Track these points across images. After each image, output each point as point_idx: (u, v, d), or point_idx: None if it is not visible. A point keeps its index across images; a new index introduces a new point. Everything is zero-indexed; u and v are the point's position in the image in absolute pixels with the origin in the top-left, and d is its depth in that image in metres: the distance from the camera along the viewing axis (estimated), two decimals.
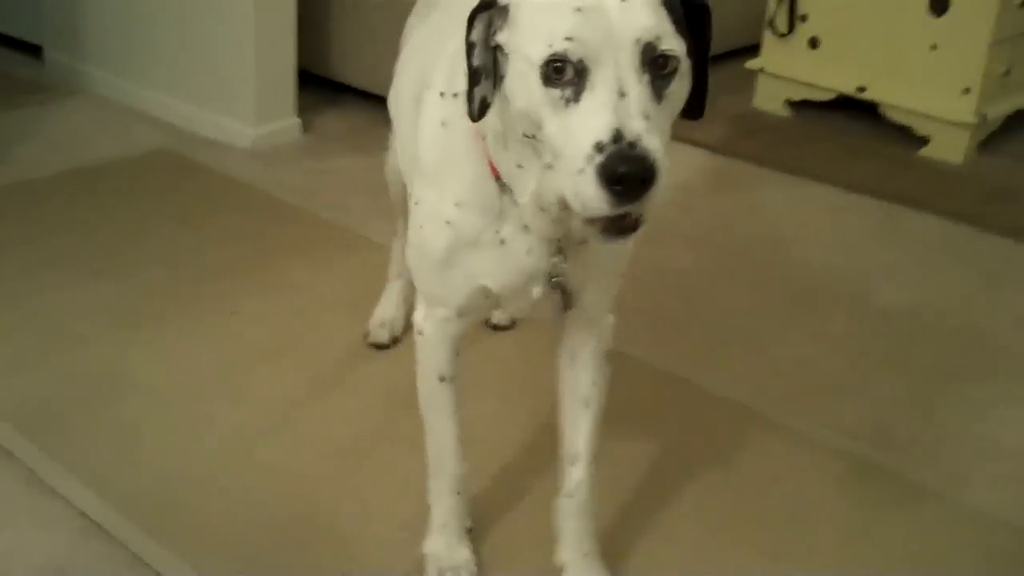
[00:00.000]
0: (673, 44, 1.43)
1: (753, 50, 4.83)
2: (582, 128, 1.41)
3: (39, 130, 4.27)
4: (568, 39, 1.40)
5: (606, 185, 1.39)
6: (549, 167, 1.50)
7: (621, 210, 1.42)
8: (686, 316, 3.17)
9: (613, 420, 2.61)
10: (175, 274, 3.27)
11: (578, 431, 1.99)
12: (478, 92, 1.53)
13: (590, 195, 1.40)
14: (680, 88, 1.48)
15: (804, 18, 4.55)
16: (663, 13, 1.43)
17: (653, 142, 1.39)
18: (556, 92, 1.43)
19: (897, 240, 3.76)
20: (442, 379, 1.95)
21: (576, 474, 2.00)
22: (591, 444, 2.00)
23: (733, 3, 4.96)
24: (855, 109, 4.60)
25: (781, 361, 2.97)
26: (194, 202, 3.78)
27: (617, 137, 1.38)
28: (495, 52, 1.53)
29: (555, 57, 1.41)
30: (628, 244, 1.78)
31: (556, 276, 1.76)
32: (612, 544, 2.20)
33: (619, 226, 1.48)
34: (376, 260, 2.71)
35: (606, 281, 1.90)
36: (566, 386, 2.00)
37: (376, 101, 4.60)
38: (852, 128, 4.61)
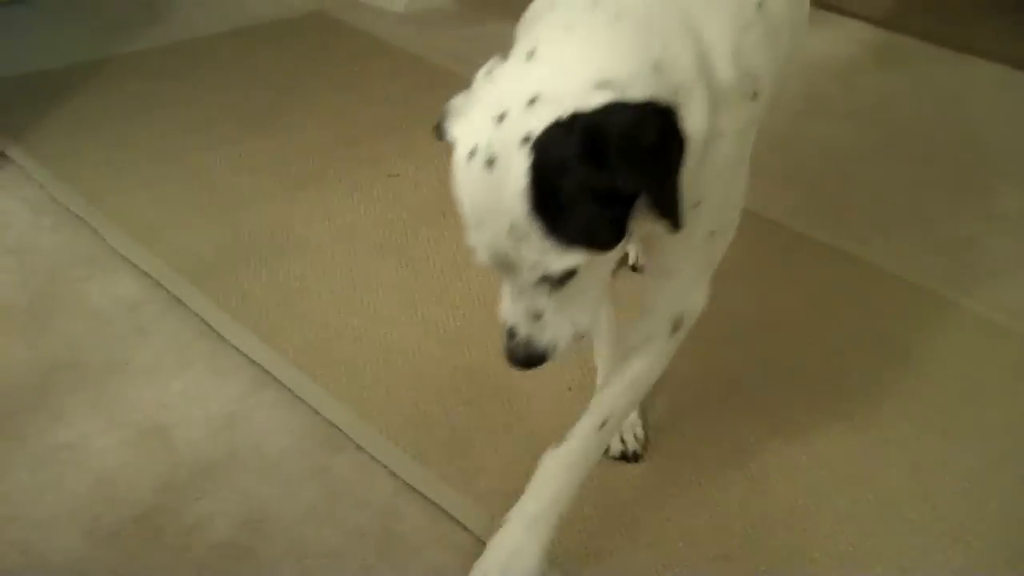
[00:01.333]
0: (562, 264, 1.46)
1: None
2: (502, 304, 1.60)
3: None
4: (472, 248, 1.51)
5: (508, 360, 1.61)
6: None
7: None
8: (849, 192, 3.08)
9: (773, 290, 2.59)
10: (331, 135, 3.29)
11: (608, 385, 1.85)
12: None
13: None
14: (590, 271, 1.51)
15: None
16: (549, 243, 1.44)
17: (540, 336, 1.57)
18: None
19: None
20: None
21: (577, 427, 1.82)
22: (610, 405, 1.83)
23: None
24: None
25: (949, 240, 2.88)
26: (347, 64, 3.78)
27: (512, 333, 1.58)
28: None
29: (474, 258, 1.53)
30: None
31: None
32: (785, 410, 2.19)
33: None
34: None
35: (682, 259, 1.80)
36: (625, 337, 1.87)
37: None
38: (1018, 6, 4.37)
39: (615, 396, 1.80)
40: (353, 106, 3.48)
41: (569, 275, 1.49)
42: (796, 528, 1.98)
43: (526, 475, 1.83)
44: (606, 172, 1.39)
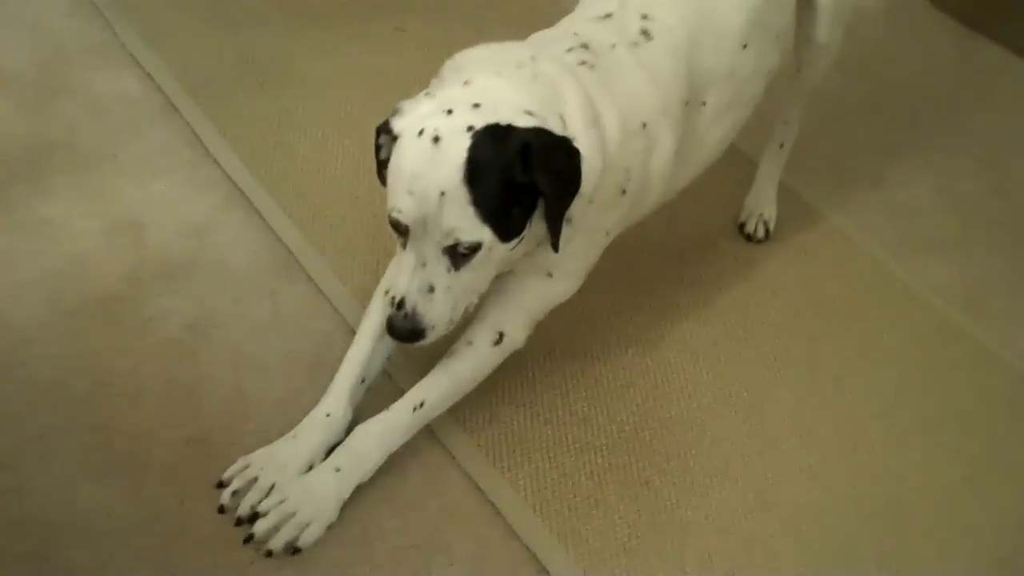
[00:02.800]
0: (471, 236, 1.77)
1: None
2: (396, 272, 1.86)
3: None
4: (399, 211, 1.78)
5: (387, 330, 1.85)
6: None
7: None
8: (821, 141, 3.22)
9: (729, 217, 2.77)
10: None
11: (431, 374, 2.04)
12: (384, 173, 1.87)
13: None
14: (483, 258, 1.82)
15: None
16: (470, 211, 1.75)
17: (428, 310, 1.82)
18: (395, 233, 1.84)
19: None
20: None
21: (395, 404, 1.99)
22: (427, 391, 2.01)
23: None
24: None
25: (899, 205, 3.05)
26: None
27: (400, 304, 1.81)
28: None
29: (393, 220, 1.81)
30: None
31: None
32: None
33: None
34: (545, 9, 2.77)
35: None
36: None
37: None
38: None
39: (434, 384, 2.01)
40: None
41: (471, 253, 1.79)
42: (679, 437, 2.20)
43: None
44: (527, 172, 1.75)
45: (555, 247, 1.87)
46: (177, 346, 2.12)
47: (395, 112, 1.86)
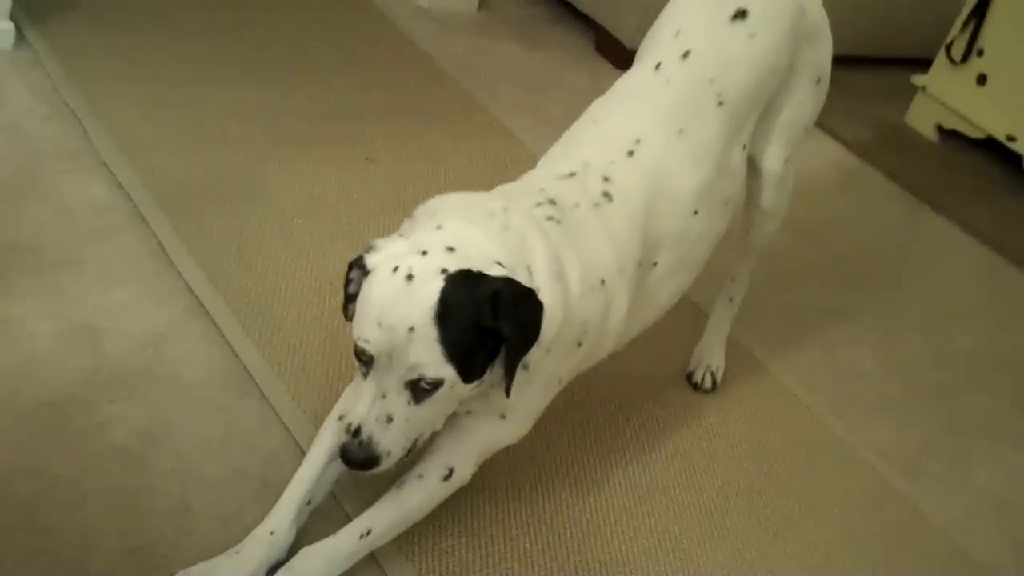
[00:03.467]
0: (436, 373, 1.82)
1: (923, 65, 4.86)
2: (354, 403, 1.89)
3: None
4: (367, 341, 1.83)
5: (340, 457, 1.88)
6: None
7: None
8: (771, 300, 3.32)
9: (674, 366, 2.82)
10: (326, 105, 3.50)
11: (380, 502, 2.05)
12: (351, 308, 1.93)
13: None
14: (444, 395, 1.86)
15: (980, 52, 4.58)
16: (437, 349, 1.81)
17: (384, 438, 1.85)
18: (358, 363, 1.88)
19: (994, 291, 3.86)
20: None
21: (342, 529, 2.01)
22: (375, 518, 2.02)
23: (920, 13, 5.01)
24: (1002, 154, 4.65)
25: (845, 367, 3.13)
26: (362, 43, 3.98)
27: (356, 431, 1.84)
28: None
29: (359, 349, 1.85)
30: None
31: None
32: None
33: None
34: (512, 154, 2.88)
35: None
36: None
37: None
38: (992, 172, 4.67)
39: (382, 514, 2.02)
40: (354, 84, 3.68)
41: (433, 389, 1.84)
42: None
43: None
44: (494, 319, 1.82)
45: (507, 392, 1.91)
46: (125, 454, 2.11)
47: (369, 248, 1.91)
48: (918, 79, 4.82)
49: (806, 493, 2.61)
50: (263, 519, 1.99)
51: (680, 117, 2.26)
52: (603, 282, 2.08)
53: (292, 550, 1.98)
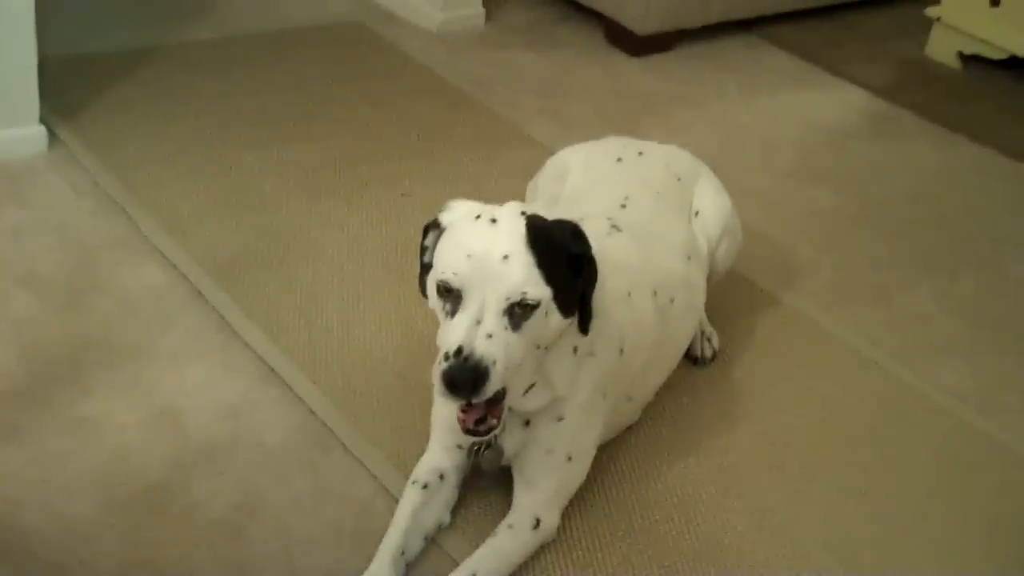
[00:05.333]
0: (535, 294, 1.92)
1: None
2: (445, 340, 1.93)
3: None
4: (455, 273, 1.92)
5: (443, 386, 1.90)
6: None
7: (459, 402, 1.95)
8: (819, 257, 3.35)
9: (738, 342, 2.86)
10: (355, 148, 3.56)
11: (480, 548, 2.13)
12: (427, 280, 2.06)
13: (436, 388, 1.92)
14: (539, 321, 1.96)
15: None
16: (534, 272, 1.92)
17: (489, 350, 1.88)
18: (441, 303, 1.97)
19: None
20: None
21: (457, 571, 2.07)
22: (476, 563, 2.08)
23: None
24: None
25: (904, 314, 3.15)
26: (378, 78, 4.04)
27: (458, 351, 1.88)
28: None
29: (443, 282, 1.94)
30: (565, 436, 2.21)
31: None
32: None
33: (472, 429, 2.02)
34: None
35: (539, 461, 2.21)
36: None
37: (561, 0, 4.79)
38: (1020, 91, 4.64)
39: (483, 557, 2.10)
40: (378, 122, 3.75)
41: (530, 312, 1.93)
42: (718, 566, 2.26)
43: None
44: (575, 242, 2.02)
45: (584, 328, 2.08)
46: (225, 527, 2.19)
47: (443, 208, 2.07)
48: (932, 11, 4.79)
49: (888, 448, 2.64)
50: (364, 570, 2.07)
51: (653, 184, 2.63)
52: (629, 295, 2.26)
53: None
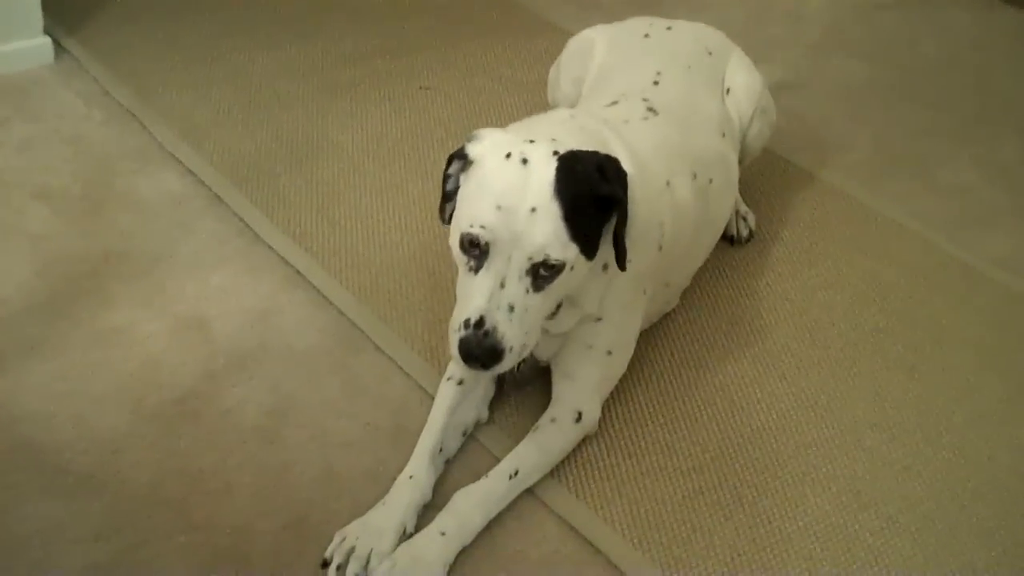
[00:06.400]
0: (561, 255, 1.85)
1: None
2: (467, 300, 1.87)
3: None
4: (483, 227, 1.83)
5: (459, 354, 1.86)
6: None
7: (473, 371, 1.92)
8: (856, 131, 3.24)
9: (775, 221, 2.78)
10: (369, 43, 3.46)
11: (523, 443, 2.07)
12: (448, 207, 1.98)
13: (452, 352, 1.89)
14: (564, 279, 1.89)
15: None
16: (561, 227, 1.84)
17: (508, 330, 1.84)
18: (465, 257, 1.88)
19: None
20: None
21: (492, 471, 2.01)
22: (521, 459, 2.03)
23: None
24: None
25: (945, 185, 3.05)
26: None
27: (479, 323, 1.83)
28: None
29: (470, 235, 1.85)
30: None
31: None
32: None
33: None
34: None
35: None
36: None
37: None
38: None
39: (526, 453, 2.05)
40: (391, 15, 3.64)
41: (554, 274, 1.86)
42: (765, 449, 2.20)
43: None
44: (606, 184, 1.90)
45: (621, 263, 1.97)
46: (260, 434, 2.15)
47: (471, 138, 1.95)
48: None
49: (934, 321, 2.56)
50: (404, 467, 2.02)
51: (684, 58, 2.53)
52: (668, 184, 2.17)
53: (436, 488, 2.02)
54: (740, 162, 2.61)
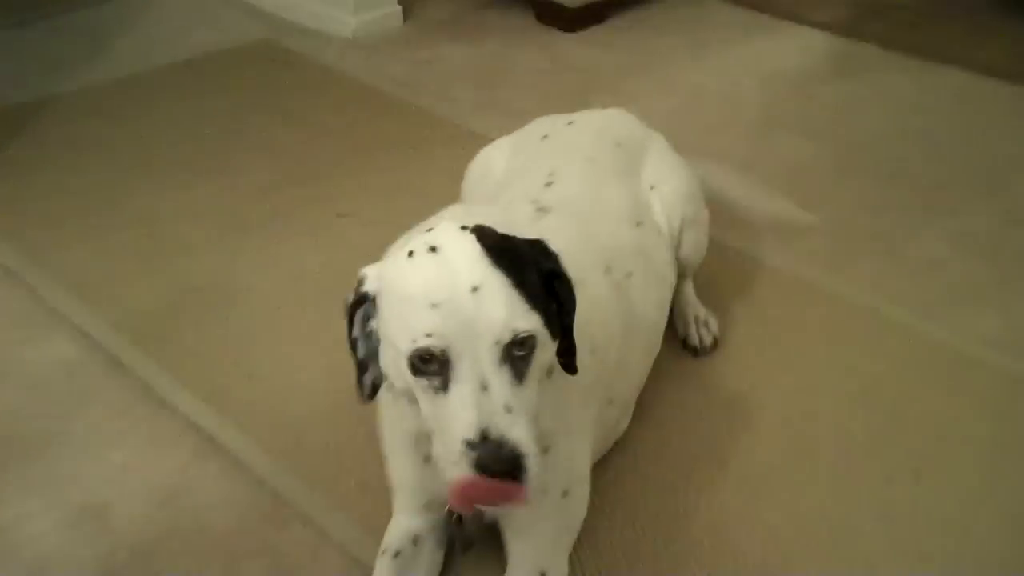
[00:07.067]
0: (528, 324, 1.50)
1: None
2: (453, 422, 1.49)
3: (137, 24, 4.20)
4: (428, 335, 1.48)
5: (475, 471, 1.47)
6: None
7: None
8: (820, 220, 3.00)
9: (739, 322, 2.52)
10: (280, 174, 3.20)
11: None
12: (367, 378, 1.67)
13: (451, 475, 1.50)
14: (541, 356, 1.55)
15: None
16: (514, 295, 1.50)
17: (519, 434, 1.48)
18: (425, 381, 1.52)
19: None
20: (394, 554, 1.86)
21: None
22: None
23: None
24: None
25: (916, 262, 2.80)
26: (295, 96, 3.69)
27: (485, 435, 1.46)
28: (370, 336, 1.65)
29: (419, 352, 1.49)
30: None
31: None
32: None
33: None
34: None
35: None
36: None
37: None
38: (981, 6, 4.32)
39: None
40: (302, 142, 3.39)
41: (529, 353, 1.51)
42: None
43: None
44: (543, 258, 1.59)
45: (571, 364, 1.66)
46: None
47: (359, 282, 1.64)
48: None
49: (931, 418, 2.29)
50: None
51: (585, 151, 2.27)
52: (581, 281, 1.74)
53: None
54: (681, 274, 2.37)
